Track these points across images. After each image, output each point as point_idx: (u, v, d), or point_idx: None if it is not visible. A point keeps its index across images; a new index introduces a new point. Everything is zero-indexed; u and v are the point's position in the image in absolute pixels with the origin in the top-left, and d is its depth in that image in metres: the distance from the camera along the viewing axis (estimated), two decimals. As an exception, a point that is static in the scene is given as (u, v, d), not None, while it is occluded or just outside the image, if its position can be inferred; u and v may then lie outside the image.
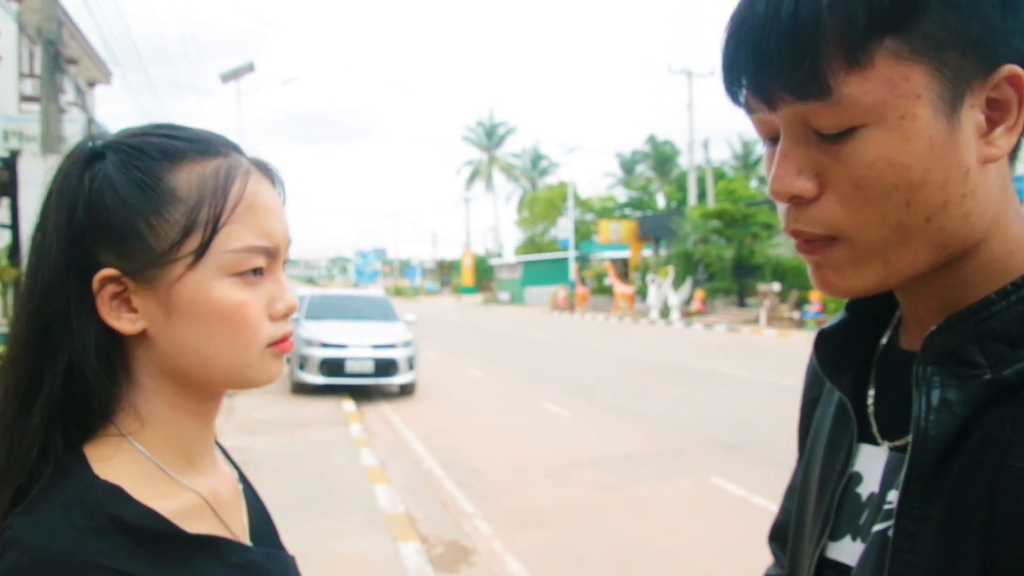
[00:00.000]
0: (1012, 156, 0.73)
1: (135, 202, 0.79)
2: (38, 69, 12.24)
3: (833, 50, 0.65)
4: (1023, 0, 0.67)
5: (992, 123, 0.69)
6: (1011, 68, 0.67)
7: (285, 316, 0.85)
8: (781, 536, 1.07)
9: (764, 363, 15.19)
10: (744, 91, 0.72)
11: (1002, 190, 0.72)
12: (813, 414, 0.96)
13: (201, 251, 0.79)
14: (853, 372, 0.85)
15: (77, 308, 0.79)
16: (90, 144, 0.82)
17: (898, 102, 0.66)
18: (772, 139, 0.74)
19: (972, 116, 0.68)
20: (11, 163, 8.98)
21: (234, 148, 0.86)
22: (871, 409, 0.83)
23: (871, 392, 0.84)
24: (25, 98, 16.44)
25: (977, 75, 0.67)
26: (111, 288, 0.80)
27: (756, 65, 0.69)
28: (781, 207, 0.74)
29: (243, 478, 0.98)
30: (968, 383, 0.71)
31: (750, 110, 0.74)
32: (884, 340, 0.86)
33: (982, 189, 0.70)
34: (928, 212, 0.69)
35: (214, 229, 0.80)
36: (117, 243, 0.79)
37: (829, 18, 0.65)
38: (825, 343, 0.87)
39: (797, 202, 0.72)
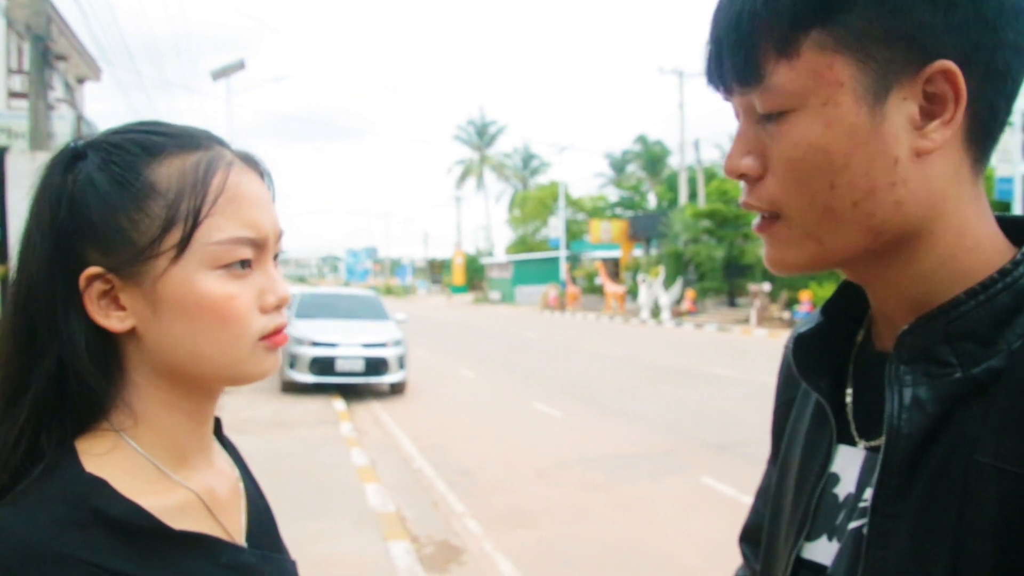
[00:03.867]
0: (983, 156, 0.74)
1: (115, 199, 0.79)
2: (27, 65, 12.17)
3: (766, 41, 0.71)
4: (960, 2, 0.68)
5: (930, 116, 0.71)
6: (943, 63, 0.69)
7: (277, 308, 0.85)
8: (752, 538, 1.08)
9: (754, 363, 15.23)
10: (710, 76, 0.78)
11: (952, 184, 0.73)
12: (788, 416, 0.97)
13: (183, 244, 0.79)
14: (830, 374, 0.86)
15: (64, 307, 0.79)
16: (72, 144, 0.83)
17: (820, 90, 0.70)
18: None
19: (903, 108, 0.70)
20: (-1, 160, 8.91)
21: (218, 141, 0.86)
22: (849, 410, 0.84)
23: (849, 393, 0.85)
24: (13, 94, 16.34)
25: (907, 69, 0.69)
26: (98, 286, 0.79)
27: (714, 55, 0.76)
28: (742, 184, 0.79)
29: (248, 476, 0.97)
30: (939, 381, 0.72)
31: (724, 98, 0.80)
32: (859, 341, 0.87)
33: (917, 180, 0.71)
34: (854, 197, 0.72)
35: (195, 222, 0.79)
36: (101, 241, 0.79)
37: (763, 12, 0.71)
38: (801, 346, 0.88)
39: (746, 179, 0.77)
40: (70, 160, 0.81)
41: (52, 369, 0.78)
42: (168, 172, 0.80)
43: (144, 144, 0.81)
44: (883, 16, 0.68)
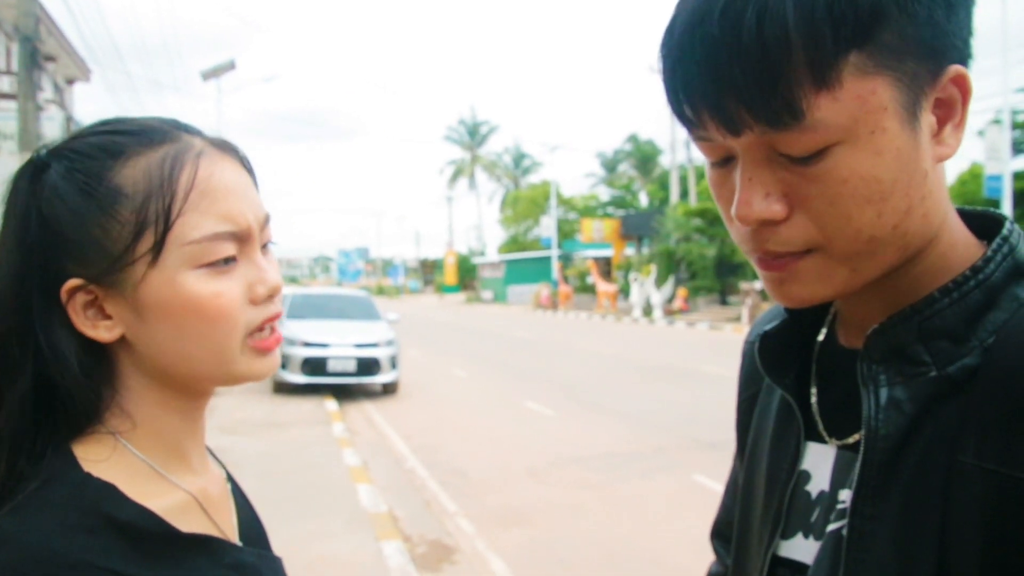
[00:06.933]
0: None
1: (83, 209, 0.76)
2: (15, 66, 12.09)
3: (802, 73, 0.63)
4: (960, 1, 0.68)
5: (940, 122, 0.70)
6: (956, 68, 0.68)
7: (269, 298, 0.82)
8: (724, 533, 1.07)
9: (746, 361, 15.23)
10: (694, 113, 0.69)
11: (944, 185, 0.74)
12: (752, 412, 0.96)
13: (157, 248, 0.76)
14: (795, 371, 0.86)
15: (46, 322, 0.77)
16: (35, 155, 0.80)
17: (868, 117, 0.65)
18: (723, 160, 0.72)
19: (926, 119, 0.68)
20: (-12, 161, 8.86)
21: (186, 130, 0.82)
22: (815, 407, 0.83)
23: (813, 390, 0.84)
24: (2, 95, 16.24)
25: (929, 79, 0.67)
26: (81, 297, 0.78)
27: (719, 92, 0.66)
28: (742, 229, 0.72)
29: (230, 478, 0.97)
30: (915, 381, 0.72)
31: (700, 135, 0.71)
32: (821, 338, 0.87)
33: (936, 188, 0.71)
34: (895, 219, 0.69)
35: (167, 223, 0.76)
36: (75, 252, 0.77)
37: (796, 38, 0.62)
38: (767, 343, 0.87)
39: (766, 225, 0.70)
40: (35, 172, 0.79)
41: (26, 389, 0.76)
42: (133, 174, 0.77)
43: (106, 147, 0.78)
44: (913, 28, 0.65)
